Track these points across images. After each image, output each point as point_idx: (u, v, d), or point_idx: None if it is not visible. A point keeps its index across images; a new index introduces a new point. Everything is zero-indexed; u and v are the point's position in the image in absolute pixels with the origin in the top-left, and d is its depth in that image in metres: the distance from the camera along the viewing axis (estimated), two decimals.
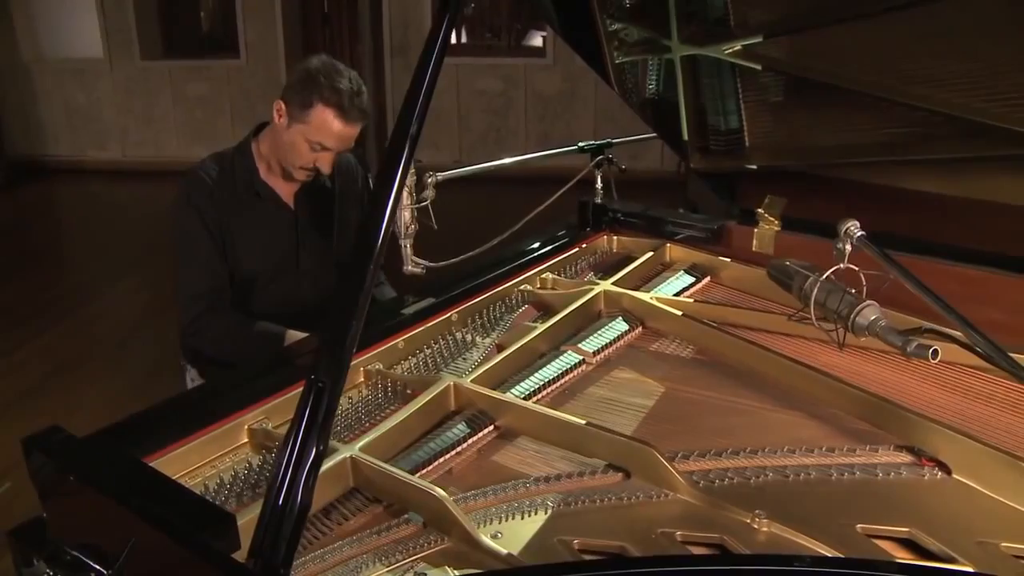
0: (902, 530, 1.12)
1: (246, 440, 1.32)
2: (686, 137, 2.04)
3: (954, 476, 1.23)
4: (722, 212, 2.09)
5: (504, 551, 1.05)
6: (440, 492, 1.11)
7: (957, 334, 1.17)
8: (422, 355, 1.62)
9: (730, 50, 1.81)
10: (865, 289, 1.18)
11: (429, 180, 1.78)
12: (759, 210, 1.92)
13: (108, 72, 7.40)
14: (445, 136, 7.61)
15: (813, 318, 1.19)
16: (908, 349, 1.08)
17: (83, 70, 7.42)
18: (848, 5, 1.62)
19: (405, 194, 1.72)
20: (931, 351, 1.06)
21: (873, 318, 1.13)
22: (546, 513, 1.16)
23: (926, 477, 1.24)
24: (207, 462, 1.27)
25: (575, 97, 7.42)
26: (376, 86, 7.29)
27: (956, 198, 1.78)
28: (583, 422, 1.29)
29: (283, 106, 1.92)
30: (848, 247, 1.16)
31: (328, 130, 1.90)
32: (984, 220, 1.75)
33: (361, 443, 1.23)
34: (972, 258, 1.67)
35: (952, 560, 1.06)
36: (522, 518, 1.15)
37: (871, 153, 1.81)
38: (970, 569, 1.04)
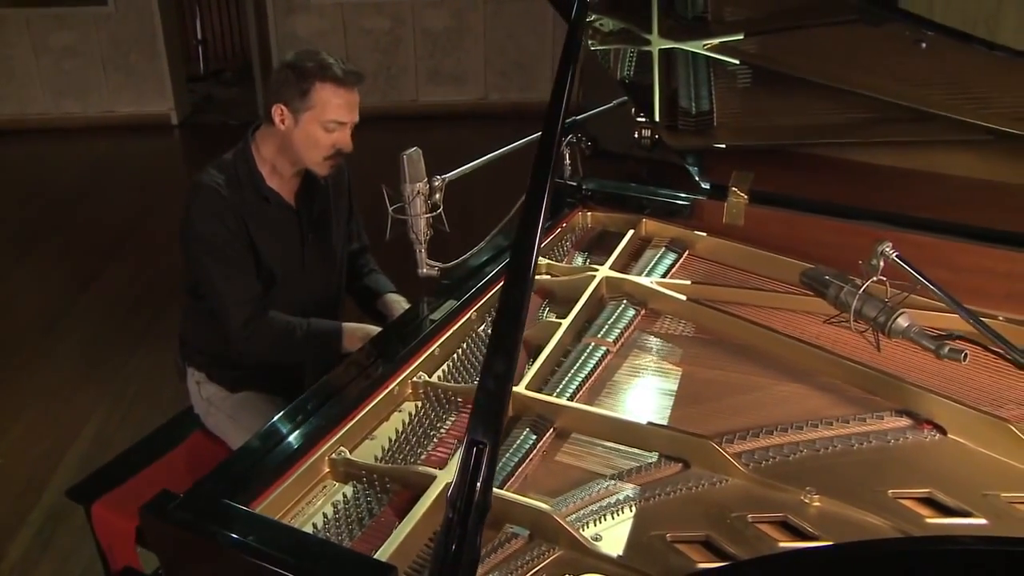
0: (923, 491, 1.33)
1: (328, 471, 1.39)
2: (658, 119, 2.17)
3: (949, 436, 1.46)
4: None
5: (615, 554, 1.19)
6: (545, 507, 1.23)
7: (986, 342, 1.37)
8: (454, 358, 1.71)
9: (708, 45, 1.92)
10: (890, 292, 1.36)
11: (437, 184, 1.83)
12: (732, 187, 2.09)
13: None
14: None
15: (852, 324, 1.37)
16: (942, 352, 1.27)
17: None
18: (820, 12, 1.76)
19: (420, 202, 1.78)
20: (963, 355, 1.26)
21: (907, 325, 1.32)
22: (631, 510, 1.29)
23: (927, 439, 1.45)
24: (300, 498, 1.33)
25: (464, 33, 7.36)
26: (259, 29, 6.96)
27: (906, 170, 1.99)
28: (643, 421, 1.43)
29: (282, 107, 1.90)
30: (882, 263, 1.33)
31: (336, 103, 1.91)
32: (929, 189, 1.97)
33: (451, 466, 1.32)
34: (923, 226, 1.90)
35: (968, 514, 1.28)
36: (612, 518, 1.28)
37: (831, 134, 2.00)
38: (984, 522, 1.26)
